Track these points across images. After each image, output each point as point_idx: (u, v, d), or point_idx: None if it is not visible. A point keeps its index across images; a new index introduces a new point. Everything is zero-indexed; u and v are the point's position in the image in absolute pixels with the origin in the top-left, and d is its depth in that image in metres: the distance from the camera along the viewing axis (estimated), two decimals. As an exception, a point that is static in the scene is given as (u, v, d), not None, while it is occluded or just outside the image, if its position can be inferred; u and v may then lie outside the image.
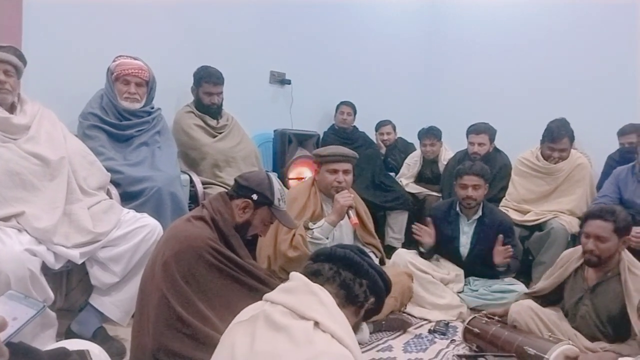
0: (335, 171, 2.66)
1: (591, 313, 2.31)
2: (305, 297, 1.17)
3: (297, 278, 1.25)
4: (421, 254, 3.09)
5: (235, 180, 1.96)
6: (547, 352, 2.03)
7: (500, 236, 2.94)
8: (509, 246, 2.90)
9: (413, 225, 3.11)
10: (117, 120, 2.67)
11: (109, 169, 2.42)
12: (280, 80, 4.21)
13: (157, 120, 2.83)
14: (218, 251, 1.75)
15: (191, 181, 2.98)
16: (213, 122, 3.29)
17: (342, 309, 1.21)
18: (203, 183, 3.06)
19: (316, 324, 1.11)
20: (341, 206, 2.54)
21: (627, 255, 2.30)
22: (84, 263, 2.06)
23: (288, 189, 3.51)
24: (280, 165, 3.83)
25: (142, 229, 2.16)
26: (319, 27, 4.45)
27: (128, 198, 2.45)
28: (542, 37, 4.60)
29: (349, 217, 2.56)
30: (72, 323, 2.15)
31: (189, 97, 3.33)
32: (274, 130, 3.98)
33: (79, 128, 2.62)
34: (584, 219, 2.36)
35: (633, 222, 2.93)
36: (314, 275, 1.26)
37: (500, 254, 2.90)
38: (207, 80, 3.21)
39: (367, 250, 2.71)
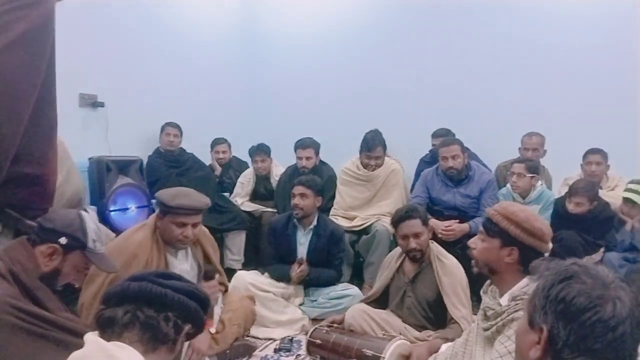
0: (184, 224, 2.28)
1: (415, 303, 2.57)
2: None
3: (90, 342, 1.09)
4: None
5: (38, 222, 1.70)
6: (382, 351, 2.17)
7: (301, 257, 3.09)
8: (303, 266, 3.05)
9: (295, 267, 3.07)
10: None
11: None
12: (92, 103, 3.83)
13: None
14: (21, 309, 1.49)
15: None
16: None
17: (151, 354, 1.09)
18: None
19: None
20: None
21: (435, 246, 2.64)
22: None
23: (111, 222, 3.21)
24: (99, 197, 3.47)
25: None
26: (133, 45, 4.18)
27: None
28: (356, 55, 4.96)
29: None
30: None
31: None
32: (89, 159, 3.59)
33: None
34: (396, 223, 2.61)
35: (442, 217, 3.39)
36: (108, 326, 1.11)
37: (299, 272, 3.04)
38: None
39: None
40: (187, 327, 1.19)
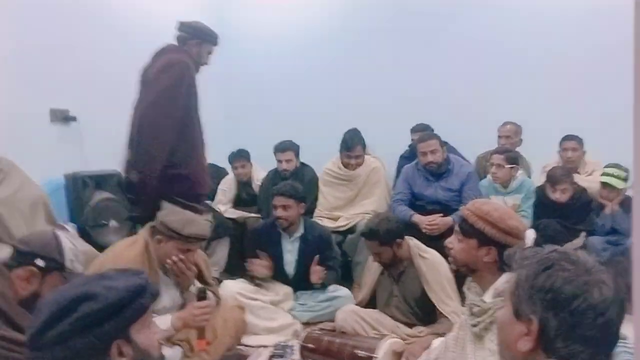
0: (189, 251, 2.26)
1: (402, 302, 2.58)
2: None
3: None
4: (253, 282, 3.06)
5: (13, 246, 1.64)
6: (375, 351, 2.16)
7: (317, 256, 3.04)
8: (325, 266, 3.03)
9: (246, 264, 3.07)
10: None
11: None
12: (64, 117, 3.72)
13: None
14: (3, 338, 1.43)
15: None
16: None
17: None
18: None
19: None
20: (195, 324, 2.16)
21: (415, 243, 2.64)
22: None
23: (91, 239, 3.12)
24: (78, 214, 3.38)
25: None
26: (102, 57, 4.07)
27: None
28: (332, 55, 4.94)
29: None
30: None
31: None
32: (65, 175, 3.50)
33: None
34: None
35: (425, 212, 3.39)
36: None
37: (316, 273, 3.01)
38: None
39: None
40: (115, 346, 1.07)
